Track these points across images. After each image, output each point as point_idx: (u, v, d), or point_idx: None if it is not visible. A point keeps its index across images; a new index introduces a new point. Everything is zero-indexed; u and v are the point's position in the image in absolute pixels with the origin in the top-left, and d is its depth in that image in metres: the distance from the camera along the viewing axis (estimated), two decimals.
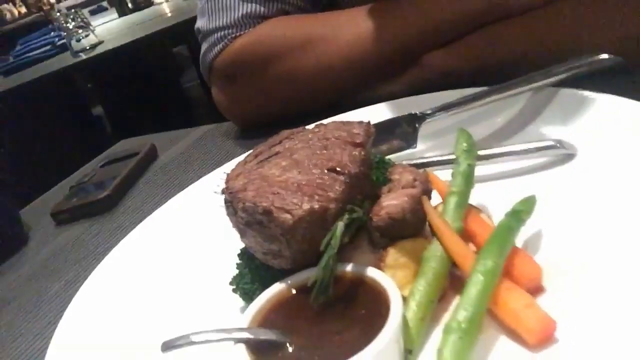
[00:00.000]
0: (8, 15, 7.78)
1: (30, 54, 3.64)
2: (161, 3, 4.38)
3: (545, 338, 0.38)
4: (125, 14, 4.43)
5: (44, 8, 7.21)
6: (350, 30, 0.92)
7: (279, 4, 0.99)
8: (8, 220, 0.94)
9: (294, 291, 0.47)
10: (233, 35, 0.98)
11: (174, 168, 1.07)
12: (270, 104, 1.02)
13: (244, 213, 0.47)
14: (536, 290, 0.43)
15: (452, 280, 0.46)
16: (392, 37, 0.89)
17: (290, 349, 0.41)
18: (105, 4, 5.71)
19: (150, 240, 0.70)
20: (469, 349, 0.38)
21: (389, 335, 0.38)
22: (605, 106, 0.61)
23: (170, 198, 0.81)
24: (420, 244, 0.48)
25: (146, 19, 3.89)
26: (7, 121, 2.94)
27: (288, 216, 0.45)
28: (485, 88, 0.69)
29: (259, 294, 0.49)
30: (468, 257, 0.44)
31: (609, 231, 0.45)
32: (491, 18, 0.83)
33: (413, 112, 0.69)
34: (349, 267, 0.46)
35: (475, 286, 0.40)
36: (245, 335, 0.42)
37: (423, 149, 0.69)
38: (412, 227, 0.48)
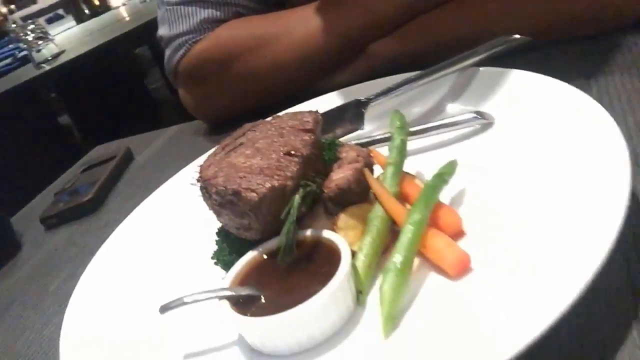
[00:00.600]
0: None
1: None
2: (118, 7, 4.38)
3: (462, 269, 0.49)
4: (83, 21, 4.44)
5: None
6: (301, 27, 1.01)
7: (234, 7, 1.08)
8: (2, 229, 1.01)
9: (264, 256, 0.56)
10: (193, 40, 1.07)
11: (150, 167, 1.16)
12: (233, 102, 1.10)
13: (217, 196, 0.57)
14: (457, 235, 0.53)
15: (393, 236, 0.56)
16: (339, 32, 0.98)
17: (263, 300, 0.51)
18: (61, 11, 5.67)
19: (137, 232, 0.79)
20: (404, 284, 0.48)
21: (340, 278, 0.48)
22: (517, 80, 0.71)
23: (149, 195, 0.89)
24: (366, 208, 0.58)
25: (105, 24, 3.92)
26: None
27: (253, 194, 0.54)
28: (419, 72, 0.80)
29: (236, 262, 0.59)
30: (403, 214, 0.54)
31: (520, 186, 0.56)
32: (425, 7, 0.93)
33: (359, 98, 0.79)
34: (308, 232, 0.56)
35: (406, 234, 0.51)
36: (227, 292, 0.52)
37: (369, 129, 0.79)
38: (358, 195, 0.58)
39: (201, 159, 0.89)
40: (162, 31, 1.11)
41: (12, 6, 6.59)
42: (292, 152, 0.58)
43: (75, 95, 4.20)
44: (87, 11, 4.52)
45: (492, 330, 0.41)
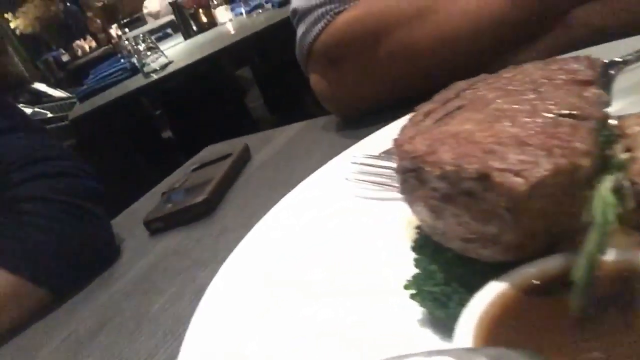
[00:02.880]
0: (79, 52, 8.16)
1: (103, 79, 3.71)
2: (225, 23, 4.39)
3: None
4: (191, 37, 4.48)
5: (112, 41, 7.51)
6: None
7: None
8: (101, 231, 0.84)
9: (523, 293, 0.32)
10: (336, 10, 0.86)
11: (272, 167, 0.96)
12: (381, 87, 0.88)
13: (442, 182, 0.33)
14: None
15: None
16: None
17: None
18: (169, 30, 5.85)
19: (272, 243, 0.57)
20: None
21: None
22: None
23: (274, 197, 0.68)
24: None
25: (211, 38, 3.91)
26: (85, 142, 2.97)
27: (518, 180, 0.30)
28: None
29: (459, 299, 0.35)
30: None
31: None
32: None
33: (608, 60, 0.53)
34: (618, 255, 0.30)
35: None
36: (477, 358, 0.28)
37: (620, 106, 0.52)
38: None
39: (347, 153, 0.68)
40: (297, 2, 0.91)
41: (126, 29, 6.96)
42: (576, 114, 0.33)
43: (178, 111, 4.23)
44: (195, 28, 4.55)
45: None
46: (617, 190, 0.30)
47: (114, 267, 0.81)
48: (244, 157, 1.01)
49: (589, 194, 0.30)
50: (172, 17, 5.52)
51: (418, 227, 0.42)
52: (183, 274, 0.70)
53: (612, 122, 0.38)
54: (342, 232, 0.54)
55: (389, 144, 0.63)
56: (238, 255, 0.57)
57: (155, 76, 3.02)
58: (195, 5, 4.58)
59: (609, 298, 0.29)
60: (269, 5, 3.84)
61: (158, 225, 0.86)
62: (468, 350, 0.29)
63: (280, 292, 0.49)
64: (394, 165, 0.58)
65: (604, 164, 0.32)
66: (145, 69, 3.11)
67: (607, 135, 0.35)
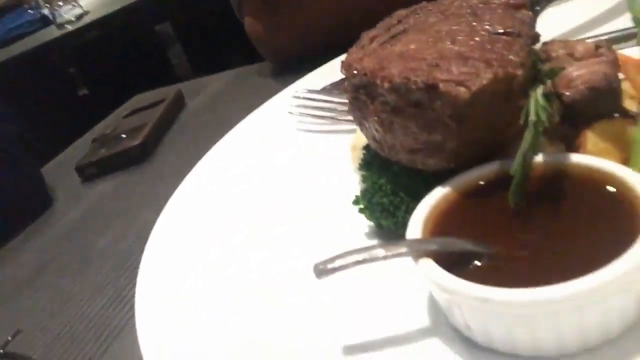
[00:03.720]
0: None
1: (9, 32, 3.43)
2: None
3: None
4: None
5: None
6: None
7: None
8: (29, 179, 0.81)
9: (465, 195, 0.35)
10: None
11: (208, 112, 0.95)
12: (316, 27, 0.88)
13: (392, 94, 0.35)
14: None
15: None
16: None
17: (492, 261, 0.30)
18: None
19: (225, 171, 0.57)
20: None
21: None
22: None
23: (212, 140, 0.68)
24: (621, 124, 0.36)
25: None
26: None
27: (462, 89, 0.33)
28: None
29: (406, 207, 0.38)
30: None
31: None
32: None
33: None
34: (550, 158, 0.34)
35: None
36: (428, 246, 0.31)
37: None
38: (610, 102, 0.37)
39: (284, 94, 0.69)
40: None
41: None
42: (509, 32, 0.36)
43: (93, 69, 3.99)
44: None
45: None
46: (547, 96, 0.33)
47: (47, 214, 0.79)
48: (178, 103, 0.99)
49: (524, 101, 0.33)
50: None
51: (364, 148, 0.44)
52: (122, 216, 0.69)
53: (539, 45, 0.41)
54: (289, 163, 0.55)
55: (328, 80, 0.65)
56: (183, 190, 0.58)
57: (70, 27, 2.83)
58: None
59: (540, 194, 0.33)
60: None
61: (91, 171, 0.84)
62: (420, 240, 0.31)
63: (231, 224, 0.50)
64: (335, 99, 0.60)
65: (535, 76, 0.35)
66: (59, 20, 2.92)
67: (536, 51, 0.38)
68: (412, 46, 0.38)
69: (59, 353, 0.48)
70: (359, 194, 0.42)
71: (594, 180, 0.32)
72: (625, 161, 0.35)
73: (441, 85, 0.33)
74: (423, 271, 0.30)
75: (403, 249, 0.31)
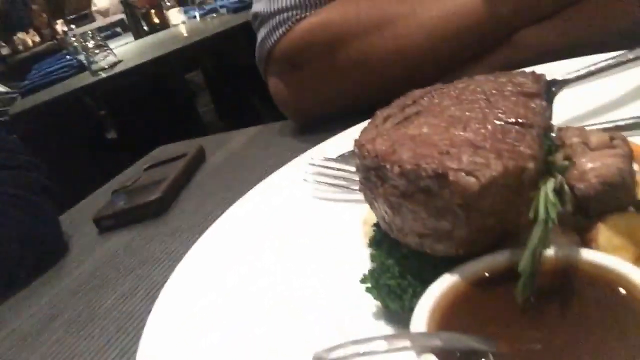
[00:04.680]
0: (21, 46, 7.81)
1: (48, 75, 3.57)
2: (177, 25, 4.33)
3: None
4: (141, 37, 4.39)
5: (57, 36, 7.24)
6: (434, 6, 0.81)
7: None
8: (49, 226, 0.82)
9: (472, 285, 0.34)
10: (298, 17, 0.88)
11: (227, 169, 0.96)
12: (338, 94, 0.90)
13: (402, 179, 0.35)
14: None
15: None
16: (484, 12, 0.78)
17: (497, 358, 0.29)
18: (118, 29, 5.69)
19: (229, 242, 0.57)
20: None
21: None
22: None
23: (229, 199, 0.68)
24: (635, 218, 0.35)
25: (162, 39, 3.85)
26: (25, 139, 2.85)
27: (471, 179, 0.33)
28: (620, 52, 0.58)
29: (413, 291, 0.37)
30: None
31: None
32: None
33: (550, 78, 0.58)
34: (559, 252, 0.33)
35: None
36: (432, 341, 0.30)
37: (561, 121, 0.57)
38: (624, 196, 0.36)
39: (304, 157, 0.70)
40: (259, 7, 0.92)
41: (72, 25, 6.74)
42: (523, 123, 0.36)
43: (123, 114, 4.11)
44: (146, 28, 4.46)
45: None
46: (558, 192, 0.33)
47: (61, 263, 0.79)
48: (199, 158, 1.01)
49: (534, 195, 0.33)
50: (122, 16, 5.40)
51: (374, 225, 0.44)
52: (135, 272, 0.69)
53: (553, 134, 0.41)
54: (300, 232, 0.55)
55: (345, 148, 0.66)
56: (195, 253, 0.58)
57: (103, 74, 2.94)
58: (147, 5, 4.50)
59: (550, 290, 0.32)
60: (223, 10, 3.83)
61: (108, 223, 0.85)
62: (423, 334, 0.31)
63: (237, 291, 0.50)
64: (351, 168, 0.61)
65: (547, 168, 0.35)
66: (93, 67, 3.03)
67: (549, 143, 0.38)
68: (425, 129, 0.39)
69: None
70: (366, 272, 0.42)
71: (606, 280, 0.31)
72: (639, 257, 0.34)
73: (451, 175, 0.33)
74: None
75: (406, 343, 0.30)
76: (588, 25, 0.77)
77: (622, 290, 0.30)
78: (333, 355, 0.30)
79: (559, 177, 0.35)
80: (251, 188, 0.68)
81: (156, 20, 4.50)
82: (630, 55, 0.56)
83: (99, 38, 3.10)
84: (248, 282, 0.50)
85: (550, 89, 0.57)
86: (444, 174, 0.33)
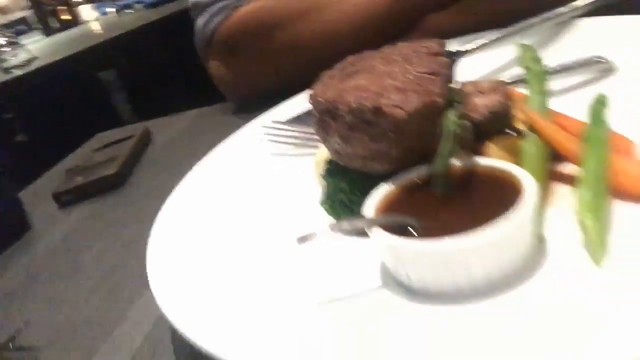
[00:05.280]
0: None
1: None
2: (89, 22, 4.23)
3: None
4: (50, 34, 4.24)
5: None
6: None
7: None
8: (8, 203, 0.87)
9: (406, 188, 0.47)
10: (234, 5, 0.98)
11: (176, 146, 1.04)
12: (273, 75, 1.01)
13: (350, 115, 0.48)
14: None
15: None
16: (396, 1, 0.92)
17: (421, 230, 0.42)
18: (23, 27, 5.43)
19: (204, 192, 0.67)
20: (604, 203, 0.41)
21: (528, 209, 0.39)
22: (627, 26, 0.66)
23: (184, 171, 0.77)
24: (513, 140, 0.50)
25: (75, 36, 3.76)
26: None
27: (400, 111, 0.46)
28: (509, 28, 0.73)
29: (361, 203, 0.49)
30: (571, 142, 0.47)
31: None
32: None
33: (451, 49, 0.72)
34: (462, 162, 0.47)
35: (591, 161, 0.43)
36: (377, 220, 0.43)
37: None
38: (505, 123, 0.50)
39: (257, 121, 0.80)
40: None
41: None
42: (432, 72, 0.50)
43: (34, 116, 3.95)
44: (55, 25, 4.31)
45: None
46: (459, 117, 0.46)
47: (29, 235, 0.85)
48: (146, 138, 1.08)
49: (443, 120, 0.46)
50: (24, 13, 5.15)
51: (326, 162, 0.56)
52: (106, 232, 0.77)
53: (456, 85, 0.55)
54: (262, 180, 0.66)
55: (290, 115, 0.77)
56: (169, 206, 0.67)
57: (19, 72, 2.85)
58: (55, 2, 4.35)
59: (457, 186, 0.46)
60: (139, 6, 3.80)
61: (68, 198, 0.91)
62: (372, 218, 0.43)
63: (223, 218, 0.60)
64: (299, 128, 0.72)
65: (451, 104, 0.48)
66: (5, 65, 2.93)
67: (453, 87, 0.52)
68: (362, 81, 0.51)
69: (63, 342, 0.56)
70: (323, 196, 0.54)
71: (495, 175, 0.45)
72: (516, 164, 0.48)
73: (385, 108, 0.46)
74: (375, 237, 0.41)
75: (362, 223, 0.42)
76: (491, 7, 0.91)
77: (506, 179, 0.44)
78: (310, 235, 0.42)
79: (459, 108, 0.48)
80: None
81: (66, 17, 4.37)
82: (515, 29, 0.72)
83: (9, 34, 3.00)
84: (226, 213, 0.61)
85: (452, 56, 0.71)
86: (379, 108, 0.46)
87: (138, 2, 3.86)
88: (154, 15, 3.37)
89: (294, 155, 0.69)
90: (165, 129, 1.14)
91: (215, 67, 1.05)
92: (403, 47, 0.57)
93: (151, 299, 0.47)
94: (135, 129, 1.12)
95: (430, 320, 0.39)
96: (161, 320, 0.53)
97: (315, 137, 0.58)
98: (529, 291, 0.38)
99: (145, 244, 0.56)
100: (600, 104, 0.50)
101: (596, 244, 0.38)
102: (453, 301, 0.39)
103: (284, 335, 0.41)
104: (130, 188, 0.90)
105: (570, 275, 0.38)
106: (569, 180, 0.46)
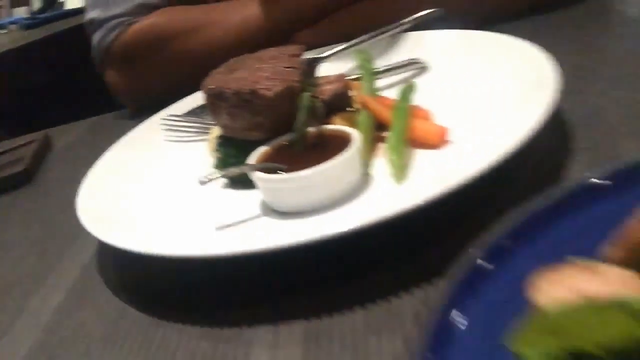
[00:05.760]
0: None
1: None
2: None
3: (442, 138, 0.63)
4: None
5: None
6: (236, 14, 1.12)
7: None
8: None
9: (277, 148, 0.66)
10: (129, 22, 1.12)
11: (78, 148, 1.15)
12: (167, 83, 1.16)
13: (234, 97, 0.65)
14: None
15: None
16: (274, 19, 1.12)
17: (286, 170, 0.60)
18: None
19: (120, 165, 0.81)
20: (403, 145, 0.62)
21: (354, 149, 0.60)
22: (439, 38, 0.91)
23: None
24: (351, 114, 0.71)
25: None
26: None
27: (269, 92, 0.64)
28: (354, 40, 0.96)
29: (245, 161, 0.67)
30: (388, 112, 0.68)
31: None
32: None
33: (313, 56, 0.93)
34: (316, 128, 0.66)
35: (397, 119, 0.65)
36: (257, 166, 0.61)
37: None
38: (345, 102, 0.71)
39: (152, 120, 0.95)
40: (94, 14, 1.14)
41: None
42: (292, 66, 0.69)
43: None
44: None
45: (462, 156, 0.56)
46: (312, 98, 0.66)
47: None
48: (47, 143, 1.17)
49: (300, 99, 0.66)
50: None
51: (217, 138, 0.73)
52: (24, 218, 0.87)
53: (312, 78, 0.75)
54: (165, 158, 0.81)
55: (183, 110, 0.93)
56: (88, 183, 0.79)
57: None
58: None
59: (312, 145, 0.65)
60: (13, 27, 3.69)
61: None
62: (250, 165, 0.61)
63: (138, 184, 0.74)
64: (195, 120, 0.89)
65: (306, 89, 0.68)
66: None
67: (307, 77, 0.72)
68: (242, 74, 0.69)
69: None
70: (217, 162, 0.71)
71: (337, 136, 0.64)
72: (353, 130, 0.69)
73: (258, 91, 0.64)
74: (254, 176, 0.59)
75: (245, 169, 0.60)
76: (356, 24, 1.12)
77: (345, 137, 0.64)
78: (210, 176, 0.59)
79: (312, 91, 0.68)
80: None
81: None
82: (359, 40, 0.94)
83: None
84: (138, 177, 0.75)
85: (314, 61, 0.92)
86: (255, 90, 0.64)
87: (13, 22, 3.74)
88: (32, 35, 3.31)
89: (189, 142, 0.85)
90: (64, 135, 1.24)
91: (112, 77, 1.18)
92: (271, 51, 0.76)
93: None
94: (34, 136, 1.20)
95: (291, 230, 0.57)
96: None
97: (205, 127, 0.75)
98: (360, 202, 0.58)
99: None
100: (408, 87, 0.72)
101: (397, 171, 0.59)
102: (307, 215, 0.58)
103: (186, 244, 0.58)
104: (37, 185, 1.00)
105: (383, 192, 0.59)
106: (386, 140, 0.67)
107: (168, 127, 0.88)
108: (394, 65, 0.86)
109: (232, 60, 0.76)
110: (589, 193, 0.39)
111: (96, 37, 1.15)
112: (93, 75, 1.22)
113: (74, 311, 0.60)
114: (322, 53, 0.93)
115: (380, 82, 0.84)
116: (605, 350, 0.24)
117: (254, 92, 0.64)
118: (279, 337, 0.47)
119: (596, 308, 0.24)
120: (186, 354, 0.49)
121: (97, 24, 1.14)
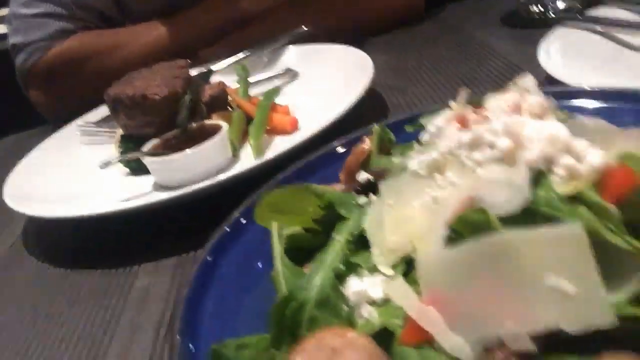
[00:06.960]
0: None
1: None
2: None
3: (294, 127, 0.84)
4: None
5: None
6: (147, 34, 1.29)
7: (82, 22, 1.32)
8: None
9: (163, 141, 0.84)
10: (49, 46, 1.27)
11: (6, 158, 1.28)
12: (86, 98, 1.31)
13: (129, 100, 0.83)
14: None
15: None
16: (178, 39, 1.30)
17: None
18: None
19: (43, 160, 0.97)
20: (262, 128, 0.82)
21: (222, 134, 0.79)
22: (303, 51, 1.12)
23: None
24: (229, 113, 0.90)
25: None
26: None
27: (157, 96, 0.83)
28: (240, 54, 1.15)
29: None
30: (253, 108, 0.88)
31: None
32: (240, 22, 1.31)
33: (206, 70, 1.11)
34: (198, 124, 0.85)
35: (259, 111, 0.84)
36: (147, 152, 0.78)
37: None
38: (223, 103, 0.90)
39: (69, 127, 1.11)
40: (16, 39, 1.28)
41: None
42: (178, 76, 0.88)
43: None
44: None
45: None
46: (191, 99, 0.85)
47: None
48: None
49: (182, 100, 0.84)
50: None
51: (121, 136, 0.90)
52: None
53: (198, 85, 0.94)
54: (80, 155, 0.98)
55: (97, 118, 1.10)
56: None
57: None
58: None
59: (194, 136, 0.83)
60: None
61: None
62: (142, 151, 0.79)
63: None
64: (106, 125, 1.05)
65: (187, 92, 0.86)
66: None
67: (191, 85, 0.90)
68: (137, 83, 0.87)
69: None
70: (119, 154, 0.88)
71: (213, 128, 0.83)
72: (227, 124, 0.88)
73: (148, 95, 0.82)
74: (145, 160, 0.77)
75: (138, 154, 0.78)
76: (245, 42, 1.31)
77: (218, 129, 0.83)
78: (112, 162, 0.76)
79: (193, 94, 0.87)
80: None
81: None
82: (245, 55, 1.13)
83: None
84: (60, 168, 0.91)
85: (205, 73, 1.11)
86: (145, 95, 0.82)
87: None
88: None
89: (100, 143, 1.02)
90: None
91: (35, 96, 1.32)
92: (163, 64, 0.94)
93: None
94: None
95: (167, 195, 0.75)
96: None
97: (113, 130, 0.93)
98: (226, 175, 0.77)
99: None
100: (272, 90, 0.93)
101: (255, 150, 0.79)
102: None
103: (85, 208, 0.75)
104: None
105: (243, 166, 0.78)
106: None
107: (83, 132, 1.04)
108: (272, 75, 1.06)
109: (130, 74, 0.94)
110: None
111: (19, 60, 1.29)
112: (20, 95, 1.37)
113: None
114: (214, 66, 1.12)
115: (257, 88, 1.04)
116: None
117: (144, 96, 0.83)
118: (158, 267, 0.65)
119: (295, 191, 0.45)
120: (93, 287, 0.66)
121: (19, 48, 1.28)
